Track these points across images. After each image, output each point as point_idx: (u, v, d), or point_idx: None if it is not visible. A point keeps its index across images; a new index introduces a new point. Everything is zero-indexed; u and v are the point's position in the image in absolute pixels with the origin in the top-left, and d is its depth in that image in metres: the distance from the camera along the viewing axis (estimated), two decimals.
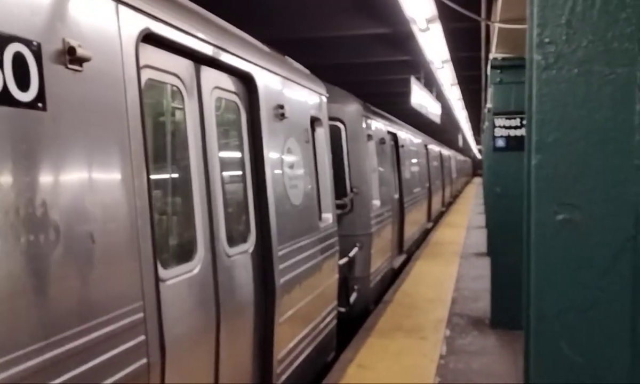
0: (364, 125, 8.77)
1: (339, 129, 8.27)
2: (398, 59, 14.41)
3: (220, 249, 3.95)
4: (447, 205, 26.35)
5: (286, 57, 5.93)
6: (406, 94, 13.58)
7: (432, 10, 7.99)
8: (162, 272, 3.22)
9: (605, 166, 1.95)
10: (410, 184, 13.49)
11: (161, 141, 3.86)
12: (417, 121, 19.87)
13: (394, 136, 12.01)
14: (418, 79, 14.48)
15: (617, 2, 1.94)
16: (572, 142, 1.97)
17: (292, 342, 5.12)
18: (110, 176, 2.78)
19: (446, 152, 28.13)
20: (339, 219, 7.59)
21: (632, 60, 1.94)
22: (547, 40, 1.98)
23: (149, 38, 3.19)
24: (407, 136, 14.01)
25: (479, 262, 12.47)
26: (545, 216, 1.98)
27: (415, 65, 14.72)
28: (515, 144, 7.39)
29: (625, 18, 1.94)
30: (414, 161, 14.88)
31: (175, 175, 3.89)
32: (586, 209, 1.96)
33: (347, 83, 11.55)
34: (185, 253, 3.72)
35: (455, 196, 33.43)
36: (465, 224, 19.99)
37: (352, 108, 8.59)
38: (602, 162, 1.95)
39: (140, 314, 2.90)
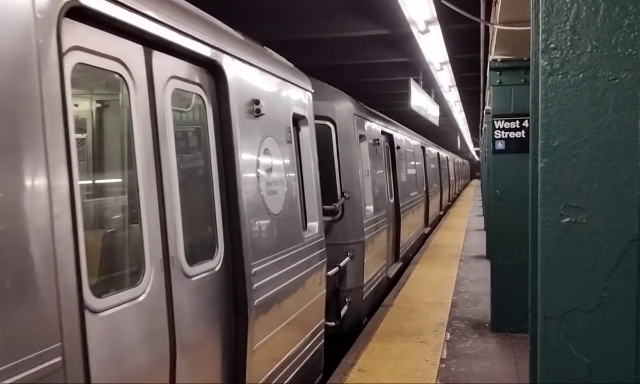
0: (356, 125, 8.19)
1: (328, 128, 7.66)
2: (397, 61, 14.48)
3: (177, 268, 3.39)
4: (445, 208, 26.35)
5: (266, 48, 5.36)
6: (405, 95, 13.61)
7: (431, 12, 8.01)
8: (94, 302, 2.71)
9: (610, 168, 1.99)
10: (407, 188, 13.14)
11: (97, 140, 3.42)
12: (415, 123, 19.96)
13: (390, 137, 11.66)
14: (417, 80, 14.51)
15: (620, 9, 1.99)
16: (578, 146, 2.01)
17: (269, 370, 4.56)
18: (12, 179, 2.24)
19: (444, 154, 28.14)
20: (329, 226, 7.17)
21: (635, 65, 1.98)
22: (552, 46, 2.01)
23: (79, 13, 2.64)
24: (404, 137, 13.70)
25: (479, 265, 12.50)
26: (551, 219, 2.02)
27: (414, 67, 14.79)
28: (514, 146, 7.41)
29: (628, 24, 1.98)
30: (411, 163, 14.59)
31: (117, 180, 3.43)
32: (592, 211, 2.00)
33: (345, 84, 11.59)
34: (128, 276, 3.22)
35: (453, 199, 33.48)
36: (464, 227, 20.03)
37: (342, 106, 7.94)
38: (607, 165, 1.99)
39: (58, 359, 2.35)
